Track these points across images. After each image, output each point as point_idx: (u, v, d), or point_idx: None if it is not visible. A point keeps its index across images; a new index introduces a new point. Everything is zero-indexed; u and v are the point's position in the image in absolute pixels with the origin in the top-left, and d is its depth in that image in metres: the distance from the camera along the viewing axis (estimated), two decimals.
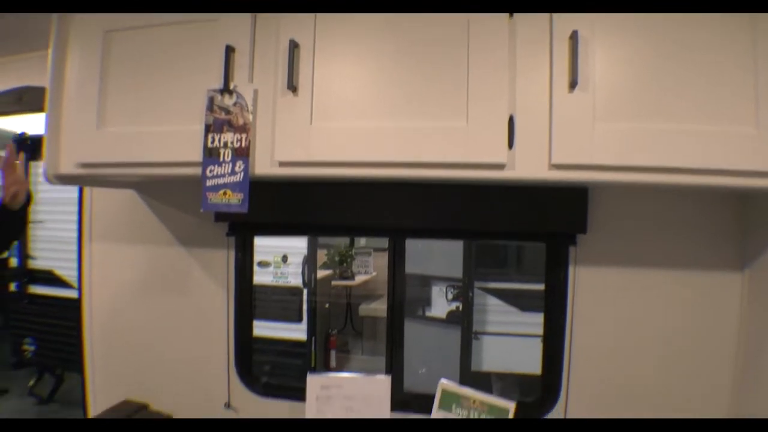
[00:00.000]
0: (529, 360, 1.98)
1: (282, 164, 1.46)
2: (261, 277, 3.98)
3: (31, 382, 4.65)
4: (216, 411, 2.04)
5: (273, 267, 4.06)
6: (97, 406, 2.21)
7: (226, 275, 2.02)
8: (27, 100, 2.73)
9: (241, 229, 1.97)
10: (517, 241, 3.35)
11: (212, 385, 2.04)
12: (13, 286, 4.63)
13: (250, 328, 2.07)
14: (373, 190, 1.79)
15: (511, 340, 3.45)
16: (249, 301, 2.05)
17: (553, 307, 1.82)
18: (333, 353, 4.62)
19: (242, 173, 1.44)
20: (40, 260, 4.53)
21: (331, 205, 1.86)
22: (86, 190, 2.21)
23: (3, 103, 2.82)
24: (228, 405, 2.02)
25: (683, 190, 1.68)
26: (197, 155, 1.47)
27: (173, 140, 1.51)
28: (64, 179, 1.69)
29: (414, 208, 1.81)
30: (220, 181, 1.46)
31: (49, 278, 4.40)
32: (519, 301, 3.51)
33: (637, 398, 1.75)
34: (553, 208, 1.72)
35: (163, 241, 2.08)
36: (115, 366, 2.18)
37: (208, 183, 1.46)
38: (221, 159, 1.45)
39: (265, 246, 3.93)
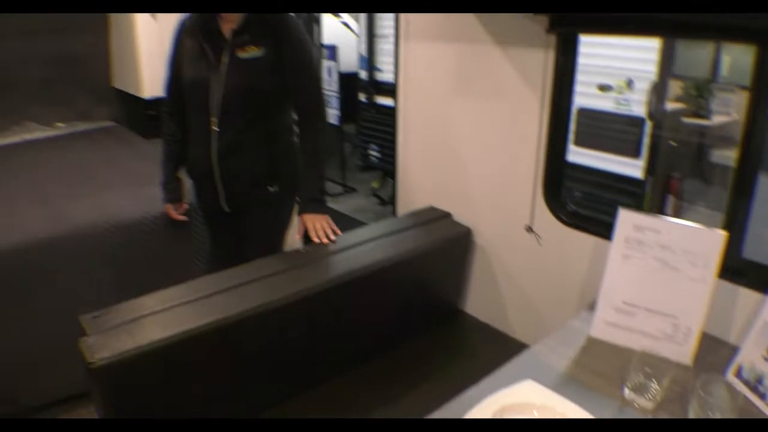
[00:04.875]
0: None
1: None
2: (600, 101, 3.55)
3: (375, 184, 5.17)
4: (517, 232, 1.87)
5: (615, 92, 3.56)
6: (403, 207, 2.23)
7: (542, 81, 1.72)
8: None
9: (564, 24, 1.62)
10: None
11: (515, 205, 1.86)
12: (362, 97, 5.02)
13: (564, 143, 1.79)
14: None
15: None
16: (566, 113, 1.74)
17: None
18: (670, 199, 4.04)
19: None
20: (386, 73, 4.78)
21: None
22: None
23: None
24: (530, 229, 1.83)
25: None
26: None
27: None
28: None
29: None
30: None
31: (392, 89, 4.61)
32: None
33: None
34: None
35: (477, 38, 1.85)
36: (424, 168, 2.15)
37: None
38: None
39: (606, 67, 3.45)
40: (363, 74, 5.02)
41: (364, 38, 4.98)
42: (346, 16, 5.99)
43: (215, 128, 1.94)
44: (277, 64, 1.92)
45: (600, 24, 1.60)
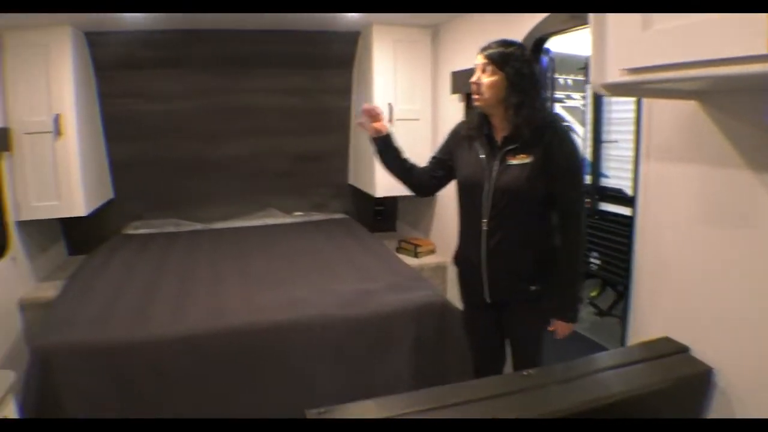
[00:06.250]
0: None
1: None
2: None
3: (593, 293, 4.90)
4: (766, 375, 1.63)
5: None
6: (635, 335, 2.08)
7: None
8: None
9: None
10: None
11: (762, 344, 1.63)
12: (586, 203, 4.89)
13: None
14: None
15: None
16: None
17: None
18: None
19: None
20: (612, 179, 4.63)
21: None
22: (645, 103, 2.02)
23: (557, 22, 2.78)
24: None
25: None
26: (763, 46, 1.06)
27: (729, 29, 1.14)
28: (612, 88, 1.55)
29: None
30: None
31: (618, 197, 4.46)
32: None
33: None
34: None
35: (727, 162, 1.71)
36: (661, 294, 2.00)
37: None
38: None
39: None
40: (587, 179, 4.91)
41: (589, 143, 4.90)
42: (572, 121, 5.96)
43: (485, 228, 2.11)
44: (545, 170, 2.04)
45: None
